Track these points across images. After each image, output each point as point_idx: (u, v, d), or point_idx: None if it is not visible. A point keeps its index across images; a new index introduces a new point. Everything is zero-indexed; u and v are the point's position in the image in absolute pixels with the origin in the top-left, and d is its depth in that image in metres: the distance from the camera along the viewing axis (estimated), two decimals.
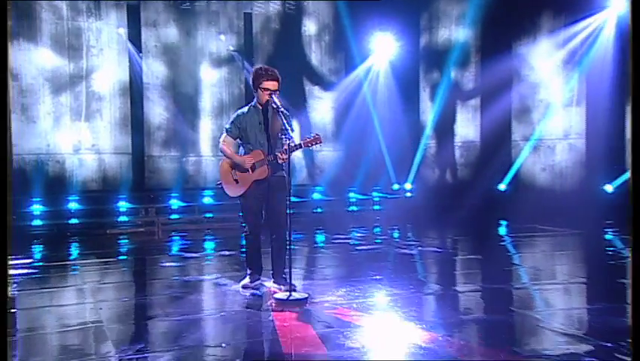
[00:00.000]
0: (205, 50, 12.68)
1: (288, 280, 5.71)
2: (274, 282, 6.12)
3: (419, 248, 8.98)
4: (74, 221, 10.75)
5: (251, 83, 6.03)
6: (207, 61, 12.72)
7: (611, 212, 10.38)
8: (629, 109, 10.56)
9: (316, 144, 5.75)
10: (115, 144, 12.04)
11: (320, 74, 13.49)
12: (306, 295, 5.63)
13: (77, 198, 11.23)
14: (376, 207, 12.69)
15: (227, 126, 6.07)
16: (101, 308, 5.53)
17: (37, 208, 10.79)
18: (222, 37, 12.54)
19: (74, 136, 11.79)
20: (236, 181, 5.99)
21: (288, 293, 5.58)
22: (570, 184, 11.81)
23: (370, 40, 13.27)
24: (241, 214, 6.21)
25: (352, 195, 12.91)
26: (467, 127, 13.23)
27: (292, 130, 5.71)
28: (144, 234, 10.53)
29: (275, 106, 5.76)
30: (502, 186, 12.40)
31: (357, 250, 8.84)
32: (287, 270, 5.76)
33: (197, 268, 7.66)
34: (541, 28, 12.16)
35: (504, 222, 11.16)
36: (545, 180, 12.21)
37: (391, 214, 12.17)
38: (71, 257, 8.72)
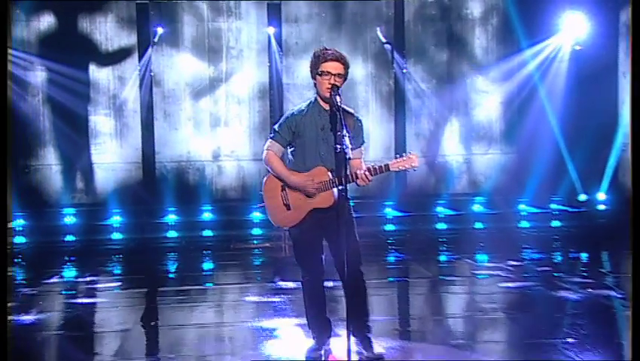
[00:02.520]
0: (353, 44, 10.30)
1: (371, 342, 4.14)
2: (356, 341, 4.21)
3: (589, 290, 5.69)
4: (207, 233, 9.53)
5: (310, 73, 4.28)
6: (353, 56, 10.31)
7: None
8: None
9: (409, 168, 4.11)
10: (254, 150, 10.25)
11: (485, 63, 10.38)
12: None
13: (212, 207, 9.82)
14: (555, 223, 9.27)
15: (276, 128, 4.29)
16: None
17: (171, 219, 9.39)
18: (378, 31, 10.08)
19: (214, 142, 10.24)
20: (287, 207, 4.21)
21: None
22: None
23: (549, 20, 9.78)
24: (294, 252, 4.43)
25: (522, 207, 9.64)
26: None
27: (350, 136, 3.94)
28: (270, 249, 8.68)
29: (337, 102, 3.99)
30: None
31: (500, 287, 6.17)
32: (370, 323, 4.20)
33: None
34: None
35: None
36: None
37: (575, 234, 8.73)
38: (198, 272, 7.59)
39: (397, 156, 4.12)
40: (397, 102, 10.55)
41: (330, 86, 4.09)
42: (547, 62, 10.23)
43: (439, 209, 9.88)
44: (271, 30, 10.38)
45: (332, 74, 4.09)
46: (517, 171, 10.28)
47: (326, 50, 4.20)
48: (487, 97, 10.70)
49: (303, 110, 4.26)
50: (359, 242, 4.28)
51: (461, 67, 10.67)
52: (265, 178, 4.32)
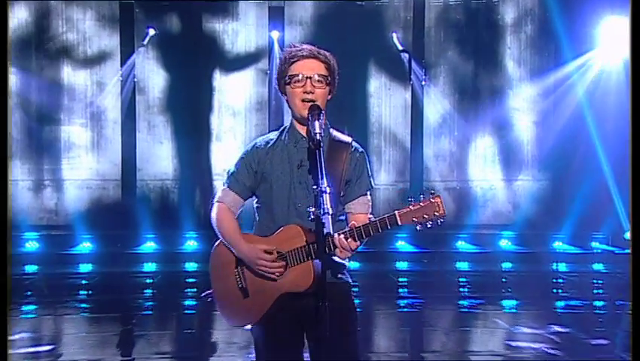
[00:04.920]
0: (365, 50, 8.70)
1: None
2: None
3: None
4: (190, 267, 7.74)
5: (275, 84, 2.73)
6: (365, 64, 8.72)
7: None
8: None
9: (430, 220, 2.44)
10: None
11: (517, 77, 8.69)
12: None
13: (198, 234, 8.23)
14: (598, 266, 7.53)
15: (231, 169, 2.76)
16: None
17: (149, 247, 7.94)
18: (394, 37, 8.46)
19: (204, 159, 8.67)
20: (244, 292, 2.63)
21: None
22: None
23: (593, 28, 8.08)
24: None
25: (558, 245, 7.92)
26: None
27: (344, 179, 2.61)
28: None
29: (315, 130, 2.49)
30: None
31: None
32: None
33: None
34: None
35: None
36: None
37: (620, 281, 6.99)
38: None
39: (411, 199, 2.49)
40: (413, 118, 8.90)
41: (306, 97, 2.56)
42: (591, 76, 8.49)
43: (459, 244, 8.21)
44: (275, 34, 8.81)
45: (307, 78, 2.56)
46: (552, 202, 8.58)
47: (295, 46, 2.65)
48: (519, 115, 9.00)
49: (271, 140, 2.71)
50: (356, 344, 2.65)
51: (489, 80, 8.99)
52: (214, 246, 2.74)
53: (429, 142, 8.96)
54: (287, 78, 2.60)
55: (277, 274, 2.53)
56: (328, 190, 2.30)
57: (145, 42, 8.68)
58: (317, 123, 2.46)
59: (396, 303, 6.72)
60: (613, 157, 8.13)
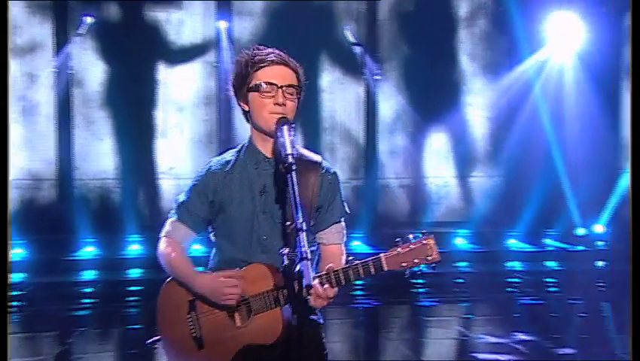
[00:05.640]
0: (316, 44, 8.29)
1: None
2: None
3: None
4: (134, 273, 7.26)
5: (232, 90, 2.34)
6: (317, 58, 8.31)
7: None
8: None
9: (420, 264, 2.07)
10: (198, 167, 8.10)
11: (470, 72, 8.47)
12: None
13: (143, 238, 7.59)
14: (551, 263, 7.44)
15: (180, 198, 2.38)
16: None
17: (89, 253, 7.24)
18: (347, 30, 8.09)
19: (148, 157, 8.11)
20: (198, 342, 2.19)
21: None
22: None
23: (545, 23, 7.94)
24: None
25: (512, 243, 7.78)
26: None
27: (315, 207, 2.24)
28: None
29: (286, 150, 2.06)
30: None
31: None
32: None
33: None
34: None
35: None
36: None
37: (573, 280, 6.92)
38: None
39: (399, 240, 2.12)
40: (368, 114, 8.58)
41: (276, 109, 2.18)
42: (545, 71, 8.38)
43: None
44: (222, 25, 8.30)
45: (278, 88, 2.19)
46: (506, 199, 8.45)
47: (259, 49, 2.28)
48: (472, 111, 8.82)
49: (229, 162, 2.32)
50: None
51: (442, 75, 8.75)
52: (162, 288, 2.32)
53: (383, 138, 8.67)
54: (252, 85, 2.20)
55: (232, 300, 2.15)
56: (305, 227, 1.91)
57: (81, 31, 7.99)
58: (288, 141, 2.05)
59: (349, 307, 6.40)
60: (566, 153, 8.06)
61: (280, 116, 2.16)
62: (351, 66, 8.59)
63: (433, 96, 8.67)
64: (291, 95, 2.21)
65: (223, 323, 2.17)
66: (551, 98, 8.24)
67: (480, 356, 4.95)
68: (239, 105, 2.30)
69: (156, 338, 2.31)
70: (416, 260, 2.06)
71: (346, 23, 8.52)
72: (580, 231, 8.20)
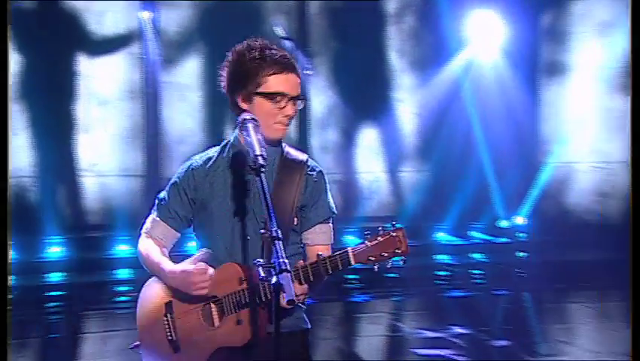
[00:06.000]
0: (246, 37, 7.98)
1: None
2: None
3: None
4: (55, 277, 6.79)
5: (225, 87, 2.25)
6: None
7: None
8: None
9: (390, 258, 2.03)
10: (122, 164, 7.95)
11: (399, 68, 8.56)
12: None
13: (64, 239, 7.22)
14: (477, 255, 7.67)
15: (161, 195, 2.28)
16: None
17: None
18: (279, 30, 7.90)
19: (68, 153, 7.64)
20: (174, 345, 2.11)
21: None
22: None
23: (470, 21, 8.15)
24: None
25: (441, 236, 7.95)
26: (611, 141, 7.89)
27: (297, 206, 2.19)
28: None
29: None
30: None
31: None
32: None
33: None
34: None
35: None
36: None
37: (497, 272, 7.16)
38: None
39: (368, 233, 2.07)
40: (299, 109, 8.48)
41: (285, 122, 2.16)
42: (471, 67, 8.61)
43: (348, 238, 8.00)
44: (145, 15, 7.93)
45: (290, 99, 2.14)
46: (434, 193, 8.63)
47: (269, 47, 2.24)
48: (401, 106, 8.93)
49: (211, 158, 2.23)
50: None
51: (372, 70, 8.79)
52: (142, 290, 2.25)
53: (315, 133, 8.62)
54: (263, 91, 2.11)
55: (203, 290, 2.05)
56: (279, 234, 1.79)
57: None
58: (255, 140, 1.94)
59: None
60: (491, 146, 8.35)
61: (249, 116, 2.06)
62: None
63: (362, 91, 8.70)
64: (296, 105, 2.17)
65: (197, 324, 2.09)
66: (477, 95, 8.48)
67: (420, 351, 5.00)
68: (234, 101, 2.18)
69: (136, 343, 2.21)
70: (384, 254, 2.00)
71: (276, 17, 8.36)
72: (503, 223, 8.51)
